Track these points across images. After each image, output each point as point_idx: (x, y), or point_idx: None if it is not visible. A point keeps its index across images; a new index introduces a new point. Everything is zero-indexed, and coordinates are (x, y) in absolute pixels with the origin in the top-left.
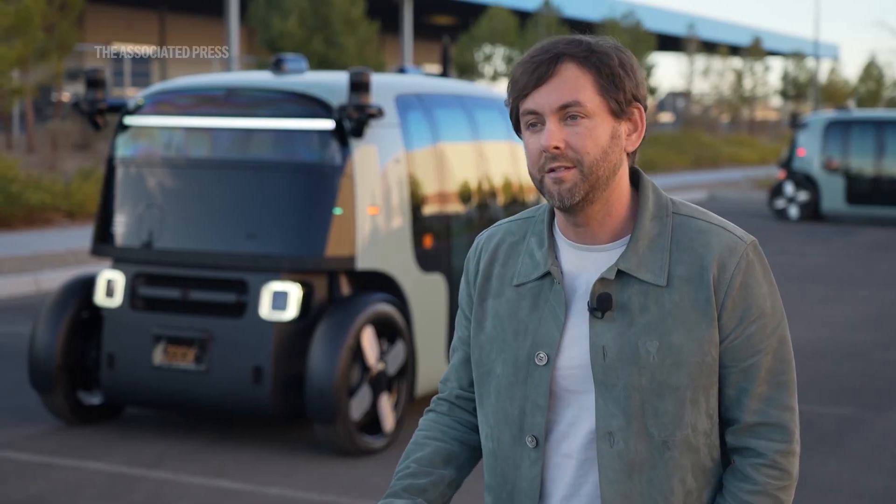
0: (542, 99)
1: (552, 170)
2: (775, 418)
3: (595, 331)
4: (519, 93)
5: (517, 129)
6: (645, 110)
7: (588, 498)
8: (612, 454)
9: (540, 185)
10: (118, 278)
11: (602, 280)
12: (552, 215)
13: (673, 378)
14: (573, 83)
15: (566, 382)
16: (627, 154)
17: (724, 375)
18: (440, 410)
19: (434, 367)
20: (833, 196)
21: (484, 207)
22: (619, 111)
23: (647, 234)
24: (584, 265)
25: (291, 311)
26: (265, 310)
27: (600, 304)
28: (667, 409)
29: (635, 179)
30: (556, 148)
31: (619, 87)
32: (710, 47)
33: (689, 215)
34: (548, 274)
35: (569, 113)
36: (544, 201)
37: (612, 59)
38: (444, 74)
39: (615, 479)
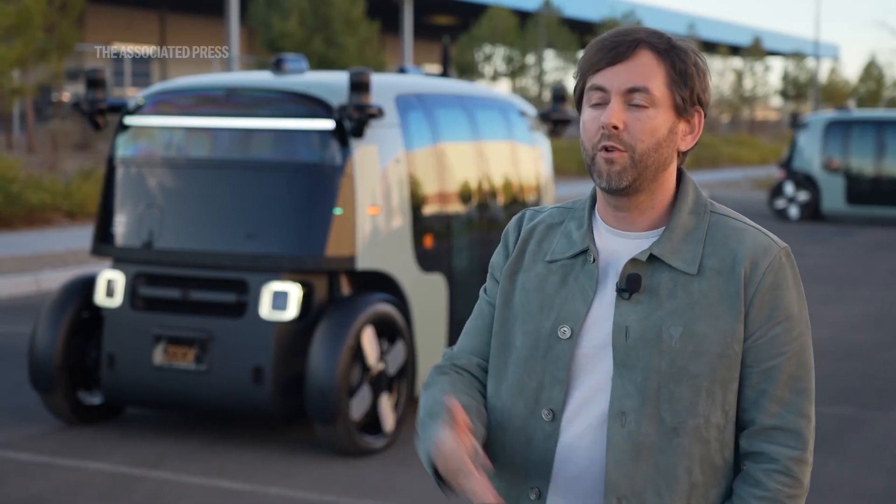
0: (613, 77)
1: (606, 148)
2: (792, 424)
3: (620, 311)
4: (590, 67)
5: (578, 105)
6: (705, 117)
7: (593, 481)
8: (623, 434)
9: (591, 163)
10: (118, 278)
11: (633, 261)
12: (594, 201)
13: (692, 366)
14: (646, 70)
15: (584, 361)
16: (680, 153)
17: (745, 375)
18: (455, 376)
19: None
20: (833, 196)
21: (484, 207)
22: (682, 108)
23: (684, 226)
24: (618, 250)
25: (292, 311)
26: (265, 310)
27: (629, 285)
28: (682, 395)
29: (678, 177)
30: (615, 127)
31: (688, 86)
32: (710, 47)
33: (727, 215)
34: (582, 253)
35: (635, 98)
36: (544, 202)
37: (689, 57)
38: (444, 74)
39: (622, 460)
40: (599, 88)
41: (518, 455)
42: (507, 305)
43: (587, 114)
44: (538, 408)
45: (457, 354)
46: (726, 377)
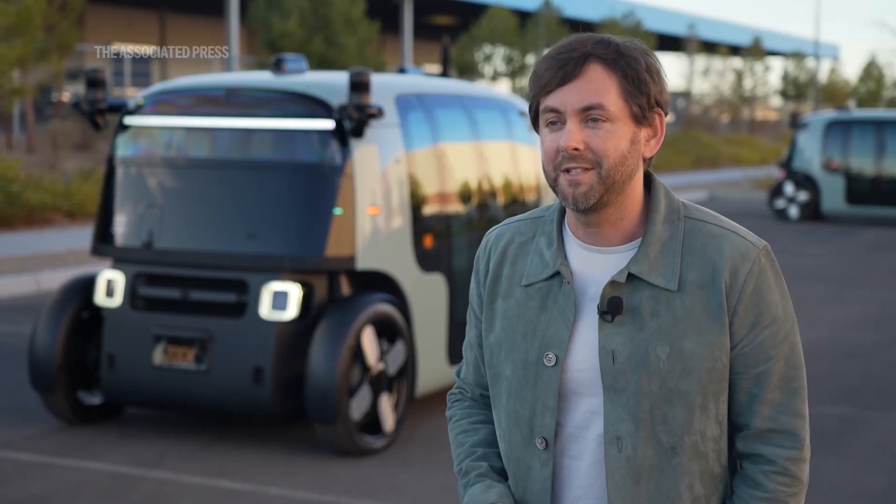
0: (566, 98)
1: (568, 170)
2: (786, 425)
3: (604, 335)
4: (542, 88)
5: (535, 124)
6: (665, 116)
7: (598, 500)
8: (621, 459)
9: (554, 185)
10: (118, 278)
11: (612, 283)
12: (562, 214)
13: (683, 384)
14: (598, 85)
15: (574, 385)
16: (645, 159)
17: (734, 381)
18: (469, 402)
19: (434, 367)
20: (833, 196)
21: (484, 207)
22: (640, 117)
23: (659, 238)
24: (593, 267)
25: (291, 311)
26: (265, 310)
27: (610, 308)
28: (676, 415)
29: (647, 182)
30: (576, 149)
31: (644, 93)
32: (710, 47)
33: (701, 219)
34: (557, 274)
35: (591, 115)
36: (545, 202)
37: (640, 63)
38: (444, 74)
39: (622, 485)
40: (553, 110)
41: (521, 485)
42: (491, 333)
43: (545, 135)
44: (532, 437)
45: (461, 384)
46: (717, 389)
